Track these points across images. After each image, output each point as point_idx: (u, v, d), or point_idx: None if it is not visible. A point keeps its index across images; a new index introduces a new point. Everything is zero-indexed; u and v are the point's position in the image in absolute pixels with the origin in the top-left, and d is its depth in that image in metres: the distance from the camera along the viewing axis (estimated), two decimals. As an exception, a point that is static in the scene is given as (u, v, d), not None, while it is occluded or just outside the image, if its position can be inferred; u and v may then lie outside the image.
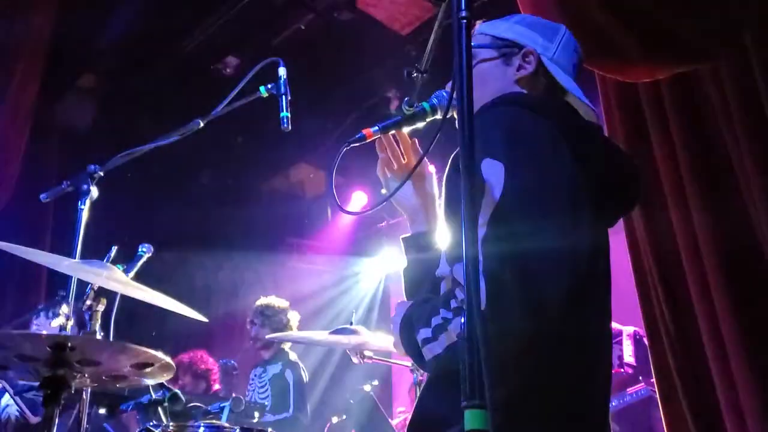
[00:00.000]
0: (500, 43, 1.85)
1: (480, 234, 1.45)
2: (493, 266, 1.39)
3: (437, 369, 1.54)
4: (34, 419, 4.18)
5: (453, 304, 1.51)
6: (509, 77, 1.82)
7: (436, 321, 1.52)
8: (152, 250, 2.53)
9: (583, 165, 1.61)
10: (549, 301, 1.45)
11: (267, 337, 4.89)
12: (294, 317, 5.71)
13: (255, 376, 5.52)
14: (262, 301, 5.77)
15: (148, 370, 2.00)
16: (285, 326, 5.58)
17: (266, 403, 5.12)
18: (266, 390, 5.36)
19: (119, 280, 2.28)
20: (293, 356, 5.58)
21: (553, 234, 1.48)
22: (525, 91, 1.80)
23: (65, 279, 2.36)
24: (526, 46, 1.83)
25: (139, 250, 2.53)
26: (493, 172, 1.48)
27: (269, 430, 3.14)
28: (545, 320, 1.44)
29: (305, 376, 5.52)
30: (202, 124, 2.50)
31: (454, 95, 1.28)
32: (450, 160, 1.65)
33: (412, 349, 1.59)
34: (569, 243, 1.51)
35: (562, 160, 1.58)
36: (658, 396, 3.23)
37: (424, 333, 1.54)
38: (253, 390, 5.41)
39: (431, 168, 1.95)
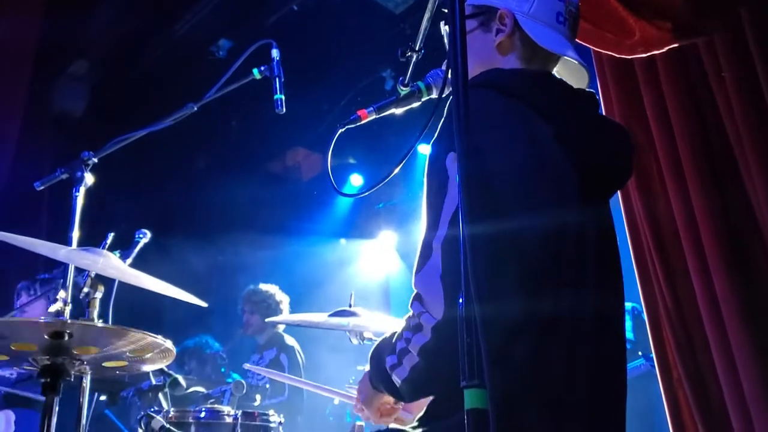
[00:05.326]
0: (477, 11, 1.77)
1: (442, 231, 1.44)
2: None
3: (413, 390, 1.51)
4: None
5: (412, 322, 1.48)
6: (489, 45, 1.75)
7: (400, 345, 1.50)
8: (149, 235, 2.53)
9: (565, 142, 1.58)
10: (529, 284, 1.45)
11: (267, 320, 4.90)
12: (284, 299, 5.75)
13: (252, 363, 5.56)
14: (249, 288, 5.87)
15: (147, 355, 1.99)
16: (275, 310, 5.62)
17: (267, 386, 5.14)
18: (263, 376, 5.40)
19: (116, 267, 2.27)
20: (289, 340, 5.64)
21: (525, 216, 1.46)
22: (502, 66, 1.72)
23: (63, 267, 2.35)
24: (499, 7, 1.74)
25: (136, 236, 2.53)
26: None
27: (271, 411, 3.14)
28: (532, 302, 1.43)
29: (301, 359, 5.57)
30: (195, 108, 2.48)
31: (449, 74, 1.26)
32: (428, 158, 1.56)
33: (382, 379, 1.56)
34: (543, 224, 1.48)
35: (530, 142, 1.54)
36: (660, 385, 3.21)
37: (390, 360, 1.51)
38: (252, 376, 5.45)
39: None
